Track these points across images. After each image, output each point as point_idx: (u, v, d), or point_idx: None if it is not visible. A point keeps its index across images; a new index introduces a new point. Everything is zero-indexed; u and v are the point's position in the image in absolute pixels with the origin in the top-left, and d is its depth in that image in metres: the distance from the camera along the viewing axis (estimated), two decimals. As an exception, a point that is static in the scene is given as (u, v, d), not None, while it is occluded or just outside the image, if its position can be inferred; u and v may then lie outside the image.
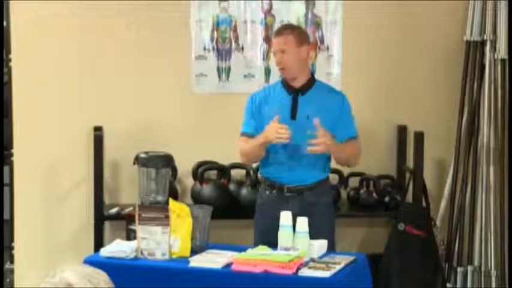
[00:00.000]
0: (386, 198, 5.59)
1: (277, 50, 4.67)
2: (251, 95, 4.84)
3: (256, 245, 4.61)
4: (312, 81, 4.74)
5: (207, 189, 5.42)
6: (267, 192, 4.72)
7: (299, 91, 4.69)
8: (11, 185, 5.61)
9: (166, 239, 4.06)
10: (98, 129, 5.45)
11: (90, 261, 3.91)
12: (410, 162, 5.60)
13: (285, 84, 4.72)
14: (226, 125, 5.48)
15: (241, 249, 4.13)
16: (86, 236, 5.43)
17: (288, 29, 4.79)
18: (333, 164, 5.53)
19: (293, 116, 4.63)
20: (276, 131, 4.48)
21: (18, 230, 5.58)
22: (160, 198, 4.79)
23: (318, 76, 5.62)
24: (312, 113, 4.59)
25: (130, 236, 4.83)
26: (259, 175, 4.96)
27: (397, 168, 5.75)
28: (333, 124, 4.62)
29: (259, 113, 4.72)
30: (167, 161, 4.95)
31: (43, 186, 5.58)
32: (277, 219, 4.48)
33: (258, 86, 5.46)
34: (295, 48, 4.64)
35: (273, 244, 4.19)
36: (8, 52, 5.59)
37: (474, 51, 5.66)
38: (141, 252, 4.09)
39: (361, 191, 5.61)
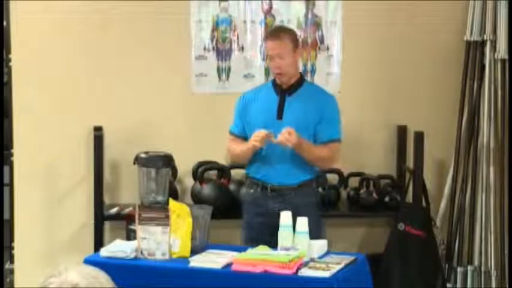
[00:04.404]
0: (387, 198, 5.59)
1: (274, 54, 4.67)
2: (242, 94, 4.89)
3: (244, 242, 4.70)
4: (300, 81, 4.76)
5: (207, 189, 5.42)
6: (251, 190, 4.77)
7: (286, 91, 4.70)
8: (11, 185, 5.61)
9: (166, 239, 4.06)
10: (98, 129, 5.45)
11: (90, 261, 3.92)
12: (410, 162, 5.59)
13: (274, 84, 4.75)
14: (226, 125, 5.46)
15: (241, 249, 4.14)
16: (86, 236, 5.43)
17: (284, 32, 4.81)
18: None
19: (279, 116, 4.65)
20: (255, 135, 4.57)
21: (18, 230, 5.58)
22: (160, 198, 4.79)
23: (317, 76, 5.64)
24: (298, 114, 4.61)
25: (130, 236, 4.83)
26: (245, 174, 4.98)
27: (397, 168, 5.75)
28: (317, 123, 4.64)
29: (246, 112, 4.75)
30: (167, 161, 4.95)
31: (43, 186, 5.57)
32: (259, 216, 4.67)
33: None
34: (291, 52, 4.67)
35: (258, 240, 4.31)
36: (8, 52, 5.59)
37: (474, 51, 5.66)
38: (141, 252, 4.09)
39: (361, 191, 5.61)
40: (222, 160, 5.52)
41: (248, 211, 4.80)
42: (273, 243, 4.26)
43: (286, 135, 4.51)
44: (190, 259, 4.03)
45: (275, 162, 4.66)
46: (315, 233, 4.36)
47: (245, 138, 4.77)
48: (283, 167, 4.65)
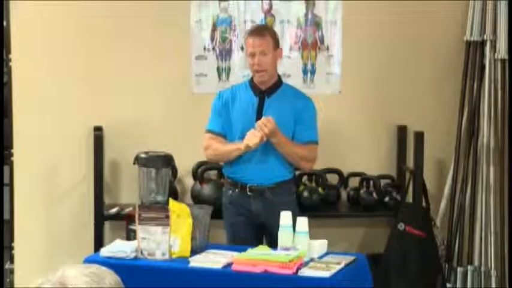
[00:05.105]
0: (387, 198, 5.59)
1: (256, 51, 4.67)
2: (218, 92, 4.90)
3: (228, 242, 4.72)
4: (278, 83, 4.78)
5: (207, 189, 5.42)
6: (230, 191, 4.79)
7: (265, 93, 4.72)
8: (11, 185, 5.61)
9: (166, 239, 4.06)
10: (98, 129, 5.45)
11: (90, 261, 3.91)
12: (410, 162, 5.59)
13: (252, 85, 4.76)
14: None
15: (241, 249, 4.14)
16: (86, 236, 5.43)
17: (266, 30, 4.85)
18: (332, 164, 5.56)
19: (259, 117, 4.67)
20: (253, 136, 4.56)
21: (18, 230, 5.58)
22: (160, 198, 4.78)
23: (317, 76, 5.64)
24: (276, 115, 4.62)
25: (130, 236, 4.83)
26: (223, 174, 4.98)
27: (397, 168, 5.75)
28: (295, 125, 4.68)
29: (226, 112, 4.75)
30: (167, 161, 4.94)
31: (43, 186, 5.58)
32: (242, 215, 4.73)
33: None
34: (273, 51, 4.69)
35: (243, 241, 4.41)
36: (8, 52, 5.59)
37: (474, 51, 5.66)
38: (141, 252, 4.09)
39: (361, 191, 5.60)
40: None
41: (228, 212, 4.82)
42: (256, 242, 4.33)
43: (264, 121, 4.53)
44: (190, 259, 4.03)
45: (254, 162, 4.68)
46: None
47: (224, 136, 4.77)
48: (261, 167, 4.68)
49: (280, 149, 4.65)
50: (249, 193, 4.72)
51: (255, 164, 4.68)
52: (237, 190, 4.76)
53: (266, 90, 4.75)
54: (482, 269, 5.66)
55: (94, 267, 2.01)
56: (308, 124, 4.73)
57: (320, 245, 4.16)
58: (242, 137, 4.65)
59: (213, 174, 5.58)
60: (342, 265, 3.96)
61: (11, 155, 5.59)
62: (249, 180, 4.71)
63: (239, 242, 4.56)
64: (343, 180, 5.64)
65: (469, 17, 5.64)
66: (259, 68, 4.68)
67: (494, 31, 5.60)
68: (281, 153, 4.67)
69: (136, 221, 4.12)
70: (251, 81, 4.80)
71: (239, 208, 4.75)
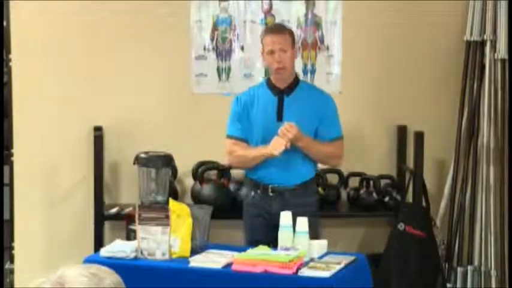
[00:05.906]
0: (386, 198, 5.59)
1: (276, 48, 4.65)
2: (236, 96, 4.87)
3: (247, 244, 4.70)
4: (296, 81, 4.76)
5: (207, 189, 5.42)
6: (252, 192, 4.77)
7: (284, 92, 4.71)
8: (11, 185, 5.61)
9: (166, 239, 4.06)
10: (98, 129, 5.45)
11: (90, 261, 3.91)
12: (410, 162, 5.59)
13: (270, 85, 4.74)
14: (226, 125, 5.47)
15: (241, 249, 4.14)
16: (86, 236, 5.43)
17: (285, 28, 4.85)
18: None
19: (279, 117, 4.65)
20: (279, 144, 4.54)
21: (18, 230, 5.58)
22: (160, 198, 4.79)
23: (317, 76, 5.64)
24: (297, 115, 4.61)
25: (130, 236, 4.83)
26: (244, 175, 4.98)
27: (397, 168, 5.75)
28: (319, 124, 4.66)
29: (245, 115, 4.73)
30: (167, 161, 4.95)
31: (43, 186, 5.58)
32: (262, 217, 4.70)
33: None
34: (291, 48, 4.68)
35: (262, 242, 4.30)
36: (8, 52, 5.59)
37: (474, 51, 5.66)
38: (141, 252, 4.09)
39: (361, 191, 5.60)
40: (222, 160, 5.51)
41: (249, 213, 4.80)
42: (276, 244, 4.28)
43: (287, 127, 4.52)
44: (190, 259, 4.03)
45: (276, 163, 4.66)
46: (314, 233, 4.37)
47: (246, 141, 4.76)
48: (284, 168, 4.66)
49: (306, 151, 4.65)
50: (270, 194, 4.70)
51: (277, 165, 4.66)
52: (258, 191, 4.74)
53: (285, 89, 4.73)
54: (482, 269, 5.66)
55: (95, 267, 2.00)
56: (331, 121, 4.73)
57: (320, 245, 4.16)
58: (263, 139, 4.64)
59: (213, 174, 5.58)
60: (342, 265, 3.96)
61: (11, 155, 5.59)
62: (271, 181, 4.70)
63: (257, 243, 4.49)
64: (343, 180, 5.64)
65: (469, 17, 5.64)
66: (279, 65, 4.65)
67: (494, 31, 5.60)
68: (309, 154, 4.67)
69: (136, 221, 4.12)
70: (268, 81, 4.78)
71: (259, 209, 4.73)
